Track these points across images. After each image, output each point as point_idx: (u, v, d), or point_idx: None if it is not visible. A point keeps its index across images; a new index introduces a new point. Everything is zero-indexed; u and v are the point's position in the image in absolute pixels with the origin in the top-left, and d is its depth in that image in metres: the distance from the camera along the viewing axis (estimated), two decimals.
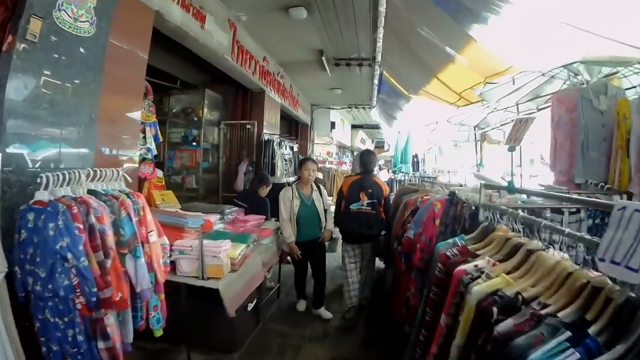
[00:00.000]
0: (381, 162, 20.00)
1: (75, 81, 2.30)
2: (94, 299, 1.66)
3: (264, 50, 6.12)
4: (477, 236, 1.55)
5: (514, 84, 3.29)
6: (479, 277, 1.16)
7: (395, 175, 8.47)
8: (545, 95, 3.78)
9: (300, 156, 8.48)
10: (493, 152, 6.42)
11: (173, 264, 2.53)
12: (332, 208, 4.12)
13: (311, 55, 6.21)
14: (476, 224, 1.68)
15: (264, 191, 4.27)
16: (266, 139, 5.68)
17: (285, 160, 6.44)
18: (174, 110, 6.63)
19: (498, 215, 1.59)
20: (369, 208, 3.56)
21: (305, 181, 3.91)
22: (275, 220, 4.01)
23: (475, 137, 6.56)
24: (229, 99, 6.72)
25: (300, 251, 3.77)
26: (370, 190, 3.59)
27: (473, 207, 1.80)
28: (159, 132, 4.16)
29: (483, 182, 1.87)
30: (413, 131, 7.42)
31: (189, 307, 2.61)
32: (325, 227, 3.95)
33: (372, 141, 20.13)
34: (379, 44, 4.96)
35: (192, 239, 2.68)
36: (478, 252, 1.40)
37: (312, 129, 10.28)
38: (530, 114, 3.92)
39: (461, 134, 7.31)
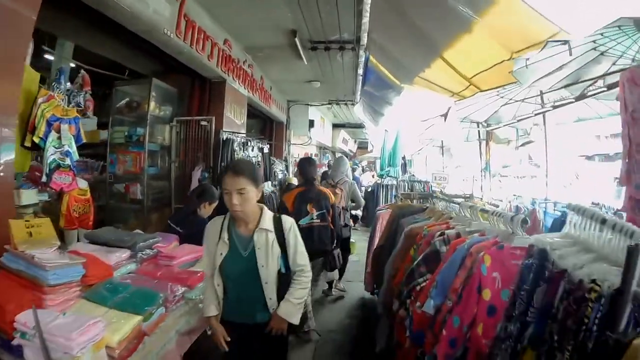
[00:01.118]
0: (364, 163, 19.19)
1: None
2: None
3: (225, 31, 5.01)
4: None
5: (571, 54, 2.29)
6: None
7: (382, 180, 7.49)
8: (590, 79, 2.82)
9: (274, 159, 7.42)
10: (501, 153, 5.50)
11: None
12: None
13: (283, 38, 5.13)
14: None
15: (207, 210, 3.14)
16: (225, 138, 4.57)
17: None
18: (118, 105, 5.49)
19: None
20: (319, 220, 3.29)
21: (239, 215, 1.80)
22: None
23: (480, 136, 5.63)
24: (184, 92, 5.58)
25: (227, 339, 1.84)
26: (317, 201, 3.32)
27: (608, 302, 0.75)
28: (82, 131, 3.22)
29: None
30: (403, 129, 6.44)
31: None
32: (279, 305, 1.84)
33: (355, 141, 19.24)
34: (365, 20, 3.93)
35: (59, 303, 1.60)
36: None
37: (289, 128, 9.20)
38: (562, 104, 2.97)
39: (460, 132, 6.39)
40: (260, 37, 5.25)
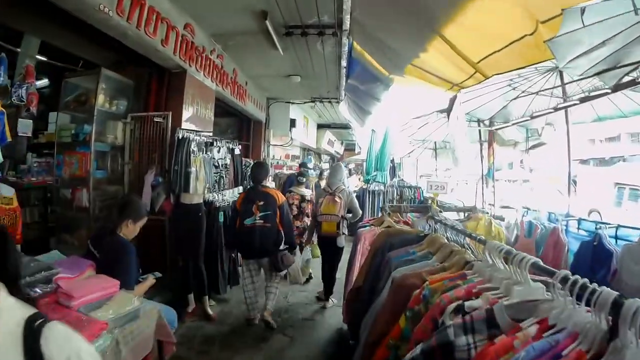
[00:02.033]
0: (351, 165, 18.48)
1: None
2: None
3: (186, 13, 4.27)
4: None
5: (637, 13, 1.63)
6: None
7: (369, 186, 6.81)
8: (633, 64, 2.18)
9: (250, 161, 6.67)
10: (506, 156, 4.87)
11: None
12: None
13: (253, 23, 4.42)
14: None
15: (130, 230, 2.39)
16: (181, 136, 3.82)
17: (218, 166, 4.61)
18: (66, 100, 4.76)
19: None
20: (262, 221, 3.43)
21: None
22: (155, 277, 2.39)
23: (480, 137, 5.00)
24: (141, 85, 4.83)
25: None
26: (261, 202, 3.47)
27: None
28: (7, 128, 2.93)
29: None
30: (392, 129, 5.78)
31: None
32: None
33: (342, 143, 18.58)
34: None
35: None
36: None
37: (268, 128, 8.47)
38: (597, 95, 2.32)
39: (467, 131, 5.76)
40: (228, 21, 4.53)
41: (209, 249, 3.75)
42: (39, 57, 4.64)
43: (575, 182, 12.10)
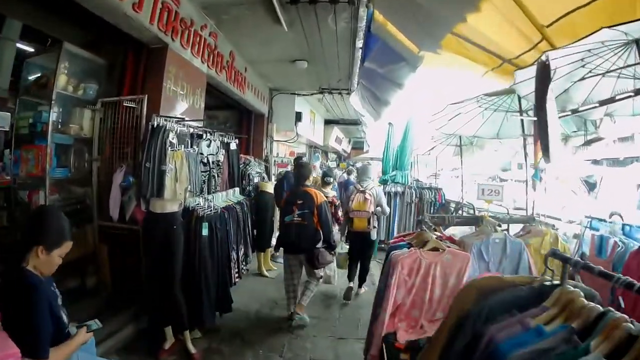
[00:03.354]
0: (358, 164, 17.54)
1: None
2: None
3: None
4: None
5: None
6: None
7: (385, 187, 5.93)
8: None
9: (249, 159, 5.85)
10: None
11: None
12: None
13: None
14: None
15: (43, 261, 1.54)
16: (155, 124, 2.98)
17: (207, 164, 3.77)
18: (26, 83, 4.01)
19: None
20: (300, 219, 3.56)
21: None
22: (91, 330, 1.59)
23: (524, 129, 4.12)
24: (117, 66, 4.02)
25: None
26: (300, 202, 3.59)
27: None
28: None
29: None
30: (415, 121, 4.90)
31: None
32: None
33: (349, 141, 17.68)
34: None
35: None
36: None
37: (271, 122, 7.61)
38: None
39: (485, 127, 4.87)
40: None
41: (189, 270, 2.91)
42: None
43: (594, 184, 11.22)
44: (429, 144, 6.85)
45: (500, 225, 2.48)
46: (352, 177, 8.52)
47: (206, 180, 3.72)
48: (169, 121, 3.11)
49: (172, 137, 2.98)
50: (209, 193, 3.70)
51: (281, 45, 5.18)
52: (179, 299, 2.78)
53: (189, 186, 3.00)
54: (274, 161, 7.64)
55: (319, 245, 3.62)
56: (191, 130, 3.63)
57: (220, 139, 4.21)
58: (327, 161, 16.50)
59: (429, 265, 2.11)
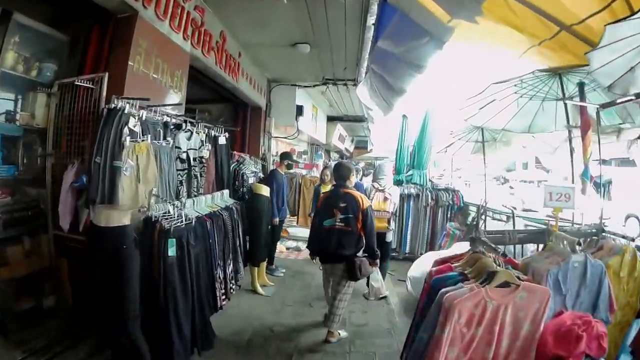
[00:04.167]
0: (361, 164, 16.70)
1: None
2: None
3: None
4: None
5: None
6: None
7: (400, 188, 5.20)
8: None
9: (243, 156, 5.15)
10: (604, 150, 3.28)
11: None
12: None
13: None
14: None
15: None
16: (112, 107, 2.27)
17: (185, 161, 3.06)
18: None
19: None
20: (343, 224, 3.22)
21: None
22: None
23: (568, 120, 3.40)
24: (80, 41, 3.32)
25: None
26: (343, 205, 3.24)
27: None
28: None
29: None
30: (436, 111, 4.17)
31: None
32: None
33: (352, 140, 16.94)
34: None
35: None
36: None
37: (269, 116, 6.89)
38: None
39: (517, 119, 4.15)
40: None
41: (152, 301, 2.19)
42: None
43: (605, 185, 10.54)
44: (447, 140, 6.13)
45: (580, 244, 1.76)
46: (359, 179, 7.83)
47: (184, 181, 2.99)
48: (132, 104, 2.39)
49: (132, 124, 2.26)
50: (188, 197, 2.98)
51: (280, 24, 4.48)
52: (136, 339, 2.05)
53: (155, 189, 2.29)
54: (273, 159, 6.93)
55: (360, 254, 3.28)
56: (166, 118, 2.92)
57: (206, 131, 3.50)
58: (329, 160, 15.77)
59: (496, 310, 1.40)
